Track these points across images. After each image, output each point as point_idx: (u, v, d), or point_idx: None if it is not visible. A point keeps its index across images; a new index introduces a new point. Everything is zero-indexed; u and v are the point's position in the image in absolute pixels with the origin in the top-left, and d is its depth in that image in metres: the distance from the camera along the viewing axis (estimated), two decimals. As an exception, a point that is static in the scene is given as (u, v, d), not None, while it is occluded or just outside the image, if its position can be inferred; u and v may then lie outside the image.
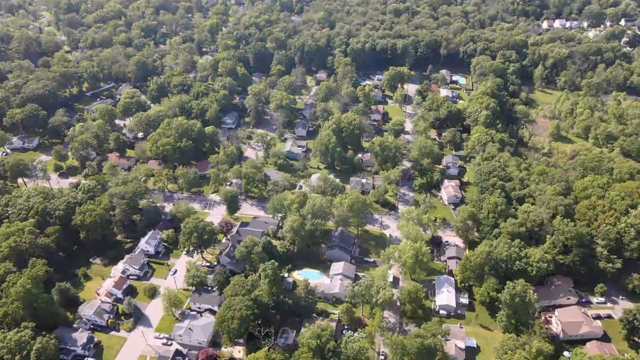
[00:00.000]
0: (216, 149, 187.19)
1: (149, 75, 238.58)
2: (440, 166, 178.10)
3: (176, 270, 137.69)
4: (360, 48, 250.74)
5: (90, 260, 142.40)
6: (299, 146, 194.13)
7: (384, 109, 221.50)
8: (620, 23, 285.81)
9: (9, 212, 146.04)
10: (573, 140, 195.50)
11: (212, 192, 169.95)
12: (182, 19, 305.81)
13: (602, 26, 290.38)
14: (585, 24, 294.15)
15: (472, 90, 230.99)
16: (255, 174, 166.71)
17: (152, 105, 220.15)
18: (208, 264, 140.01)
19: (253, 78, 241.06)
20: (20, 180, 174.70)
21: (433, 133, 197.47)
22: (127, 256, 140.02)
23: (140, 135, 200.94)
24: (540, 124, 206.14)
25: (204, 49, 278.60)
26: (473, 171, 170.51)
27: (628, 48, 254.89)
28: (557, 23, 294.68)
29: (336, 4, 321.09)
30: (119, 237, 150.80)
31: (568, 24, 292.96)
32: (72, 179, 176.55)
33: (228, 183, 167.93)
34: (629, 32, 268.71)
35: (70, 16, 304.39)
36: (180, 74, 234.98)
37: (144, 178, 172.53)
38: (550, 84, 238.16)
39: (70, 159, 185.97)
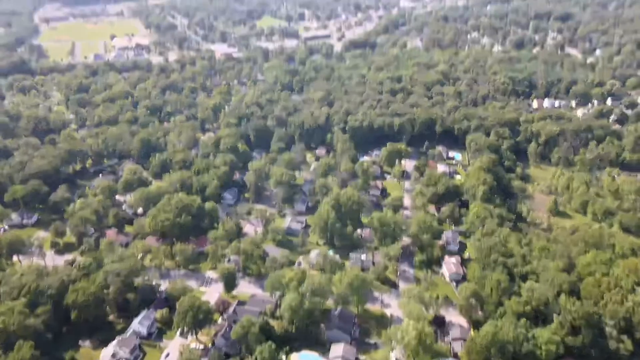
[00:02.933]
0: (215, 225, 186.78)
1: (152, 151, 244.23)
2: (441, 242, 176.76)
3: (168, 354, 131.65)
4: (358, 125, 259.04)
5: (79, 342, 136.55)
6: (298, 222, 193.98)
7: (382, 184, 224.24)
8: (607, 102, 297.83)
9: (1, 291, 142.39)
10: (571, 216, 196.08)
11: (210, 269, 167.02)
12: (187, 99, 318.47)
13: (589, 105, 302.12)
14: (573, 103, 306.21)
15: (469, 165, 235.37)
16: (254, 250, 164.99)
17: (153, 181, 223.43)
18: (202, 346, 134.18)
19: (254, 154, 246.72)
20: (15, 258, 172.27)
21: (432, 208, 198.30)
22: (118, 338, 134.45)
23: (140, 211, 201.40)
24: (537, 200, 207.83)
25: (207, 127, 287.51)
26: (473, 247, 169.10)
27: (617, 126, 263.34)
28: (546, 102, 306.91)
29: (335, 84, 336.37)
30: (111, 317, 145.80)
31: (557, 103, 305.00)
32: (68, 256, 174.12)
33: (226, 260, 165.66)
34: (616, 110, 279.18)
35: (80, 96, 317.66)
36: (183, 151, 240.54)
37: (141, 255, 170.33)
38: (545, 159, 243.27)
39: (68, 235, 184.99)
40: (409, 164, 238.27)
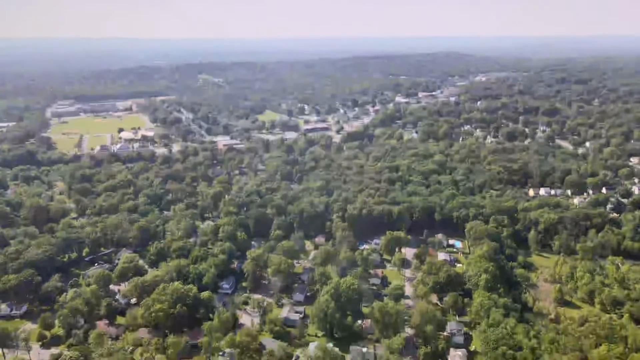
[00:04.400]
0: (210, 315, 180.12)
1: (150, 240, 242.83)
2: (445, 333, 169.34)
3: None
4: (357, 214, 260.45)
5: None
6: (296, 312, 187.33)
7: (382, 272, 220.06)
8: (602, 191, 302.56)
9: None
10: (578, 305, 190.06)
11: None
12: (188, 188, 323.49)
13: (585, 194, 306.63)
14: (569, 192, 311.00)
15: (469, 253, 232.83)
16: (250, 342, 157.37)
17: (149, 269, 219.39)
18: None
19: (252, 243, 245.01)
20: (0, 352, 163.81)
21: (434, 297, 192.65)
22: None
23: (133, 301, 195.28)
24: (542, 288, 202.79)
25: (206, 215, 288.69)
26: (479, 339, 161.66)
27: (615, 214, 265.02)
28: (542, 191, 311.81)
29: (334, 173, 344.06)
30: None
31: (553, 192, 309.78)
32: (55, 350, 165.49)
33: (220, 353, 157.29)
34: (612, 199, 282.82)
35: (82, 185, 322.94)
36: (181, 239, 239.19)
37: (131, 348, 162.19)
38: (545, 247, 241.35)
39: (56, 327, 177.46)
40: (408, 252, 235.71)
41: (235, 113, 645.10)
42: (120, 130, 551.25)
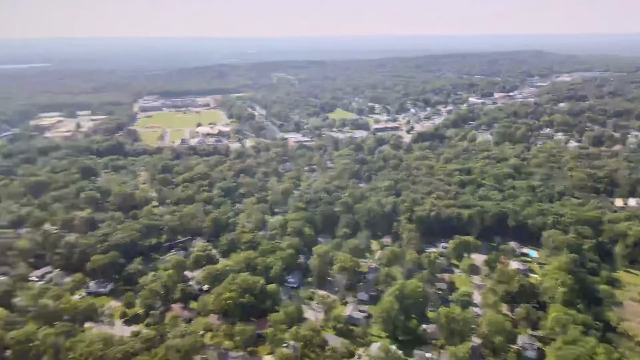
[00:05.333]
0: (276, 307, 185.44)
1: (222, 231, 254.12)
2: (515, 346, 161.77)
3: None
4: (425, 216, 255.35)
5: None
6: (360, 311, 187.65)
7: (449, 277, 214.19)
8: None
9: (70, 356, 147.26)
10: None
11: (267, 354, 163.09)
12: (259, 182, 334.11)
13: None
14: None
15: (545, 264, 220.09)
16: (314, 337, 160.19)
17: (220, 259, 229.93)
18: None
19: (319, 239, 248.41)
20: (87, 324, 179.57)
21: (504, 308, 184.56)
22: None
23: (205, 287, 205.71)
24: (628, 308, 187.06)
25: (275, 210, 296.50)
26: (554, 356, 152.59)
27: None
28: (632, 201, 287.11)
29: (403, 174, 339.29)
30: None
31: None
32: (135, 327, 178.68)
33: (284, 345, 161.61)
34: None
35: (163, 176, 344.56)
36: (251, 232, 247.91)
37: (202, 332, 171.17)
38: (634, 263, 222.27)
39: (137, 306, 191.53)
40: (478, 258, 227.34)
41: (306, 111, 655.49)
42: (199, 125, 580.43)
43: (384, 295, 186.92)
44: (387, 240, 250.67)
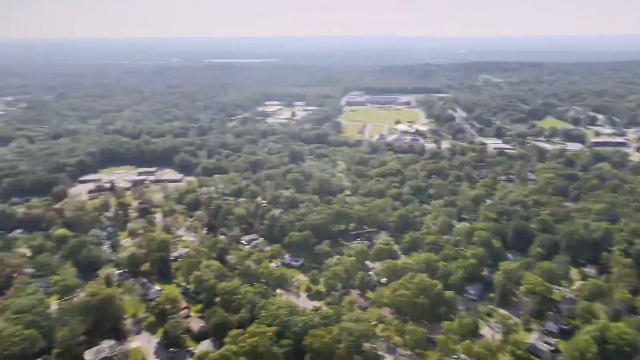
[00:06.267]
0: (452, 315, 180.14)
1: (407, 228, 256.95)
2: None
3: None
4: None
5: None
6: (546, 342, 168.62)
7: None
8: None
9: (261, 314, 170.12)
10: None
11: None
12: (450, 185, 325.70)
13: None
14: None
15: None
16: (488, 357, 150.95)
17: (401, 256, 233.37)
18: None
19: (508, 255, 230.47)
20: (278, 291, 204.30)
21: None
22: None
23: (383, 280, 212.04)
24: None
25: (463, 216, 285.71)
26: None
27: None
28: None
29: (623, 197, 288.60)
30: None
31: None
32: (316, 303, 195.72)
33: (455, 357, 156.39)
34: None
35: (358, 168, 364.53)
36: (435, 234, 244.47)
37: (374, 322, 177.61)
38: None
39: (320, 284, 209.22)
40: None
41: (511, 116, 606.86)
42: (397, 122, 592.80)
43: (578, 332, 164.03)
44: (590, 270, 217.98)
